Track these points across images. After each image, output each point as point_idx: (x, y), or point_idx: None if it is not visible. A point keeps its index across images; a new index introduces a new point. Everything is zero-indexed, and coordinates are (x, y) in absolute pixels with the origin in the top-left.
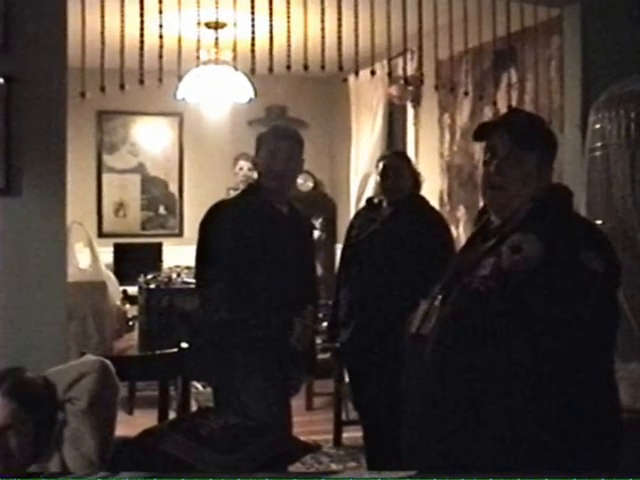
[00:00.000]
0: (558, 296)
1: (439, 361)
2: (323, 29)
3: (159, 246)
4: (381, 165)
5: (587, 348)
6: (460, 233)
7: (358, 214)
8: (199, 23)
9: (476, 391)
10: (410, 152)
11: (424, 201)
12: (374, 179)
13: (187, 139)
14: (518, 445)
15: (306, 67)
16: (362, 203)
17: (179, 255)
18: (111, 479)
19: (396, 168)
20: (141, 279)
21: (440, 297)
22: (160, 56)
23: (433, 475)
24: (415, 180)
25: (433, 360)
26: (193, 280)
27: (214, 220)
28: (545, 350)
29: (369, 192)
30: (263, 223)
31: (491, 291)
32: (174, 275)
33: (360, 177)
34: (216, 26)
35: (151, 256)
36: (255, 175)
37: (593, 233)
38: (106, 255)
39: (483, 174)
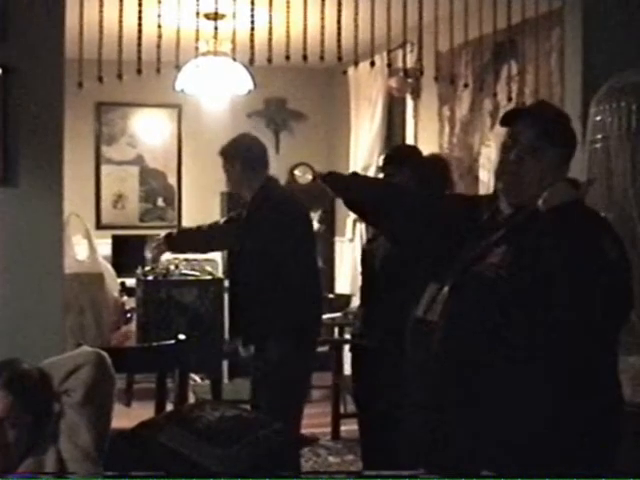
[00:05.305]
0: (574, 284)
1: (449, 349)
2: (323, 19)
3: None
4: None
5: (598, 336)
6: None
7: None
8: (198, 14)
9: (484, 380)
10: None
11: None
12: (373, 171)
13: (186, 131)
14: (522, 436)
15: (305, 58)
16: None
17: None
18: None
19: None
20: (139, 271)
21: (449, 284)
22: (158, 46)
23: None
24: None
25: (442, 348)
26: (191, 272)
27: None
28: (556, 339)
29: None
30: None
31: (501, 278)
32: (172, 267)
33: (359, 169)
34: (215, 17)
35: (149, 248)
36: None
37: (608, 224)
38: (104, 247)
39: (501, 158)
